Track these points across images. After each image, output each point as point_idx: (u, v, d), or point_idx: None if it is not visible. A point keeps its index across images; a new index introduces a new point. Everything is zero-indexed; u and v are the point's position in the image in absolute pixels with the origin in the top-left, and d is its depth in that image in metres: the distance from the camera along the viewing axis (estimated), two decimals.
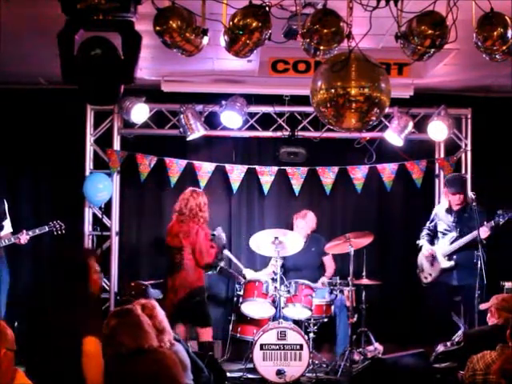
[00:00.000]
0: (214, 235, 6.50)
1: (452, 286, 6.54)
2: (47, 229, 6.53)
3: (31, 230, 6.45)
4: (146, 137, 7.36)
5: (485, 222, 6.24)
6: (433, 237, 6.80)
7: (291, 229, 7.09)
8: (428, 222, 6.92)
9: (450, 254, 6.50)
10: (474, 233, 6.18)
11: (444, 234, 6.65)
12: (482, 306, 5.21)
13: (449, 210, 6.62)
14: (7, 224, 6.52)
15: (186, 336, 6.27)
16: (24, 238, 6.39)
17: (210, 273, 6.71)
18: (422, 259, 6.78)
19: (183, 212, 6.27)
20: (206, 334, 6.24)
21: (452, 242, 6.50)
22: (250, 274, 6.86)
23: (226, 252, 6.81)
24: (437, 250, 6.64)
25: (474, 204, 6.12)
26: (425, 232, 6.88)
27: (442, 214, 6.73)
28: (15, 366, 3.04)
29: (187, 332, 6.36)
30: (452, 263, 6.48)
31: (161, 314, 4.13)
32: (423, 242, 6.82)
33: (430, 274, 6.71)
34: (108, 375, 3.38)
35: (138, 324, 3.43)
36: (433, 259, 6.65)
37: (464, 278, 6.37)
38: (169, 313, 4.60)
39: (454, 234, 6.50)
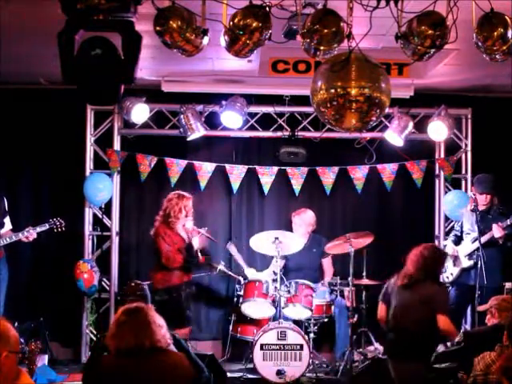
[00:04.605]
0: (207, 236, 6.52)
1: (469, 285, 6.51)
2: (48, 226, 6.49)
3: (32, 228, 6.45)
4: (146, 137, 7.35)
5: (499, 222, 6.26)
6: (460, 237, 6.81)
7: (291, 229, 7.09)
8: (457, 223, 6.97)
9: (470, 253, 6.52)
10: (491, 232, 6.24)
11: (468, 233, 6.66)
12: (481, 308, 5.21)
13: (473, 210, 6.48)
14: (7, 221, 6.52)
15: (187, 336, 6.26)
16: (32, 235, 6.38)
17: (209, 273, 6.72)
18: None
19: (160, 214, 6.38)
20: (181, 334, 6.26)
21: (473, 242, 6.50)
22: (251, 273, 6.86)
23: (231, 248, 6.83)
24: (459, 250, 6.67)
25: (497, 204, 6.14)
26: (452, 232, 6.95)
27: (467, 214, 6.72)
28: (19, 367, 3.03)
29: (190, 333, 6.36)
30: (471, 263, 6.48)
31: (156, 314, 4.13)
32: (447, 242, 6.90)
33: (452, 274, 6.73)
34: (110, 371, 3.40)
35: (144, 322, 3.43)
36: (455, 259, 6.68)
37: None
38: None
39: (476, 234, 6.43)
